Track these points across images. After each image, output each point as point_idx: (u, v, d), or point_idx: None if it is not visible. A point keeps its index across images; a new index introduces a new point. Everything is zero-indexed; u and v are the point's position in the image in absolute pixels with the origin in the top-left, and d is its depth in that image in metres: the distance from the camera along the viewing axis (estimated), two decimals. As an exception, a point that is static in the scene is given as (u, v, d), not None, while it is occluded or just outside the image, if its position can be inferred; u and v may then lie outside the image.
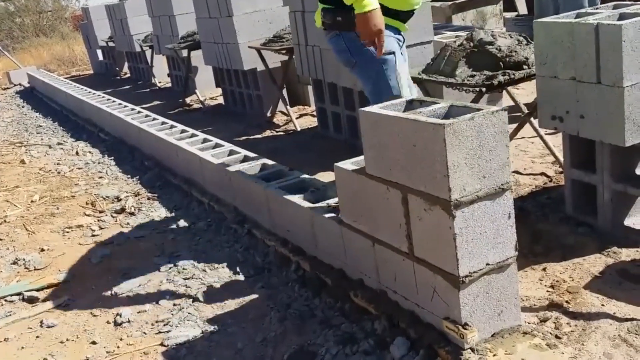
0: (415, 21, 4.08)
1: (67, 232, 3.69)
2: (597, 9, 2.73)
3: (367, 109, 2.00)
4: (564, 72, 2.44)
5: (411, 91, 2.51)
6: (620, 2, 2.81)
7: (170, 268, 2.96)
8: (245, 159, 3.57)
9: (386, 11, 2.37)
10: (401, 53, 2.53)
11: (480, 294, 1.84)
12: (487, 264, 1.82)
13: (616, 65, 2.29)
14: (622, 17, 2.45)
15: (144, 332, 2.45)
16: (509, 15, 7.95)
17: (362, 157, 2.10)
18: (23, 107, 9.24)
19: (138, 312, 2.60)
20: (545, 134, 3.58)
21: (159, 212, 3.77)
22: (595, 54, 2.35)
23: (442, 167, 1.70)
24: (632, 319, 2.03)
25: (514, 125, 3.42)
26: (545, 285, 2.32)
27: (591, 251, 2.48)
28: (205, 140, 4.14)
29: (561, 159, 3.09)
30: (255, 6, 5.83)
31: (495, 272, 1.85)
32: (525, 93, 4.71)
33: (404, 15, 2.55)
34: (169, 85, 8.96)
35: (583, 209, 2.73)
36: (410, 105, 2.01)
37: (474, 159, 1.73)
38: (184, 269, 2.93)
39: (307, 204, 2.65)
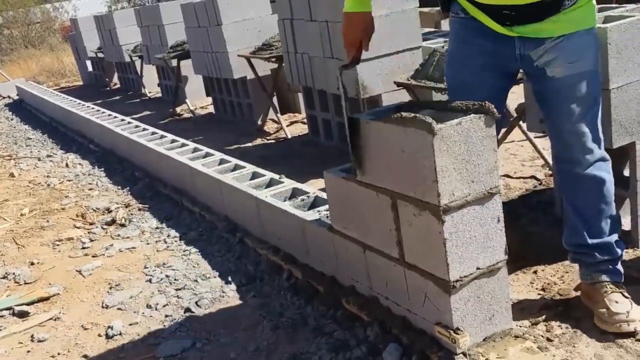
0: (403, 27, 4.13)
1: (57, 245, 3.67)
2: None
3: (354, 115, 2.00)
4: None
5: None
6: (605, 5, 2.83)
7: (161, 279, 2.95)
8: (236, 167, 3.56)
9: None
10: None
11: (471, 298, 1.84)
12: (478, 268, 1.83)
13: (602, 68, 2.30)
14: (607, 20, 2.47)
15: (136, 344, 2.44)
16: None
17: (351, 164, 2.10)
18: (12, 119, 9.20)
19: (130, 325, 2.58)
20: (535, 137, 3.60)
21: (150, 223, 3.75)
22: (581, 57, 2.37)
23: (431, 172, 1.71)
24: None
25: (504, 129, 3.44)
26: (537, 289, 2.33)
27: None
28: (195, 150, 4.13)
29: (550, 161, 3.10)
30: (244, 15, 5.85)
31: (485, 276, 1.86)
32: (515, 97, 4.73)
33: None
34: (159, 95, 8.95)
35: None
36: (398, 109, 2.01)
37: (462, 164, 1.74)
38: (175, 279, 2.92)
39: (297, 212, 2.64)
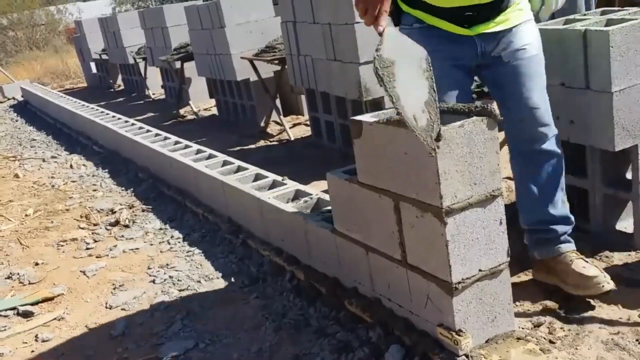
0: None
1: (62, 245, 3.69)
2: (585, 15, 2.75)
3: (357, 117, 2.01)
4: (554, 77, 2.46)
5: None
6: (607, 8, 2.84)
7: (165, 280, 2.96)
8: (239, 169, 3.57)
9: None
10: None
11: (474, 300, 1.85)
12: (480, 270, 1.83)
13: (604, 71, 2.31)
14: (609, 22, 2.47)
15: (139, 345, 2.45)
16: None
17: (354, 166, 2.11)
18: (17, 121, 9.23)
19: (133, 325, 2.59)
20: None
21: (154, 224, 3.77)
22: (584, 60, 2.38)
23: (433, 174, 1.72)
24: (625, 323, 2.04)
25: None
26: (539, 290, 2.33)
27: (585, 255, 2.49)
28: (199, 152, 4.15)
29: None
30: (248, 17, 5.87)
31: (488, 278, 1.86)
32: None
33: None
34: (163, 97, 8.98)
35: (575, 213, 2.74)
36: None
37: (464, 166, 1.74)
38: (178, 280, 2.93)
39: (300, 213, 2.65)
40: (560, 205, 2.27)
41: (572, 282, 2.18)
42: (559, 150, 2.23)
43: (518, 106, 2.17)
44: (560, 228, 2.27)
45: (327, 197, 2.62)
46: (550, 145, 2.20)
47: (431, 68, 1.74)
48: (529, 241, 2.36)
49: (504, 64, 2.16)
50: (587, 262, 2.22)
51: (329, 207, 2.45)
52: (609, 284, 2.11)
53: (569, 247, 2.27)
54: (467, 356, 1.83)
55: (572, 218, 2.31)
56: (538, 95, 2.17)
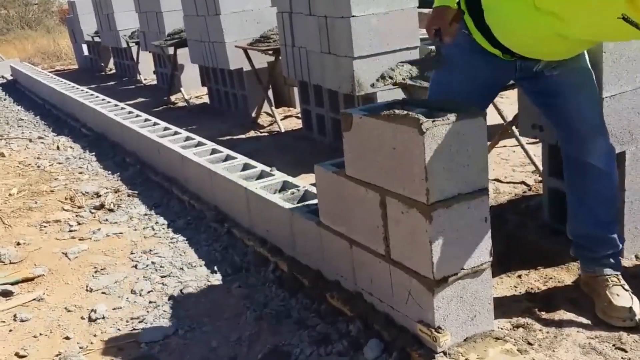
0: (402, 26, 4.13)
1: (45, 226, 3.66)
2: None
3: (347, 110, 2.01)
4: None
5: None
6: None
7: (147, 265, 2.94)
8: (228, 158, 3.56)
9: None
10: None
11: (454, 298, 1.85)
12: (462, 269, 1.84)
13: (596, 77, 2.32)
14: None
15: (119, 329, 2.43)
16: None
17: (342, 159, 2.11)
18: (5, 99, 9.13)
19: (113, 309, 2.58)
20: (527, 143, 3.62)
21: (139, 209, 3.74)
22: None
23: (421, 170, 1.71)
24: (604, 328, 2.06)
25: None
26: (520, 293, 2.34)
27: (567, 260, 2.50)
28: (188, 139, 4.12)
29: (541, 168, 3.11)
30: (244, 6, 5.83)
31: (469, 277, 1.87)
32: (509, 102, 4.75)
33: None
34: (155, 82, 8.92)
35: (561, 217, 2.75)
36: (391, 107, 2.02)
37: (452, 164, 1.74)
38: (161, 266, 2.92)
39: (286, 205, 2.65)
40: (607, 226, 2.15)
41: (600, 306, 2.11)
42: (609, 169, 2.10)
43: (571, 118, 2.08)
44: (603, 249, 2.17)
45: (314, 189, 2.61)
46: (600, 161, 2.08)
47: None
48: (574, 252, 2.29)
49: (549, 77, 2.08)
50: (626, 290, 2.11)
51: (316, 200, 2.44)
52: (632, 321, 2.02)
53: (610, 271, 2.16)
54: (445, 353, 1.83)
55: (620, 242, 2.19)
56: (594, 110, 2.08)
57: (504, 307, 2.23)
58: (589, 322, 2.10)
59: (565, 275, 2.42)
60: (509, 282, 2.42)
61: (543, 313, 2.18)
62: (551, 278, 2.41)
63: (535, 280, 2.41)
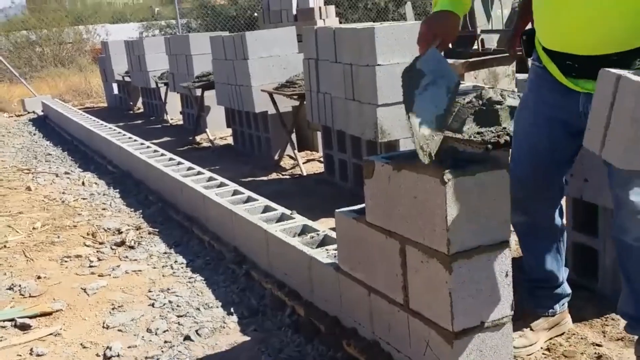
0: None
1: (66, 261, 3.69)
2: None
3: (370, 158, 2.02)
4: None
5: None
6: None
7: (164, 304, 2.94)
8: (249, 199, 3.58)
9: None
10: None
11: (474, 351, 1.82)
12: (482, 322, 1.81)
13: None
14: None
15: (133, 368, 2.42)
16: (521, 76, 8.06)
17: (363, 205, 2.11)
18: (34, 134, 9.34)
19: (128, 347, 2.57)
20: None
21: (159, 247, 3.76)
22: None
23: (442, 221, 1.71)
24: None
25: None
26: (542, 348, 2.29)
27: (590, 316, 2.45)
28: (210, 179, 4.17)
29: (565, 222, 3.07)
30: (271, 51, 5.96)
31: (490, 331, 1.83)
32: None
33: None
34: (181, 122, 9.06)
35: (584, 272, 2.71)
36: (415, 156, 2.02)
37: (474, 215, 1.74)
38: (178, 306, 2.91)
39: (306, 249, 2.64)
40: None
41: None
42: None
43: (612, 190, 1.94)
44: None
45: (334, 234, 2.61)
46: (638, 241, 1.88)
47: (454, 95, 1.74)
48: (624, 327, 2.11)
49: None
50: None
51: (335, 245, 2.43)
52: None
53: None
54: (463, 409, 1.79)
55: None
56: (634, 187, 1.85)
57: (524, 362, 2.18)
58: (612, 382, 2.04)
59: (589, 332, 2.36)
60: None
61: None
62: (574, 334, 2.35)
63: (557, 335, 2.36)
